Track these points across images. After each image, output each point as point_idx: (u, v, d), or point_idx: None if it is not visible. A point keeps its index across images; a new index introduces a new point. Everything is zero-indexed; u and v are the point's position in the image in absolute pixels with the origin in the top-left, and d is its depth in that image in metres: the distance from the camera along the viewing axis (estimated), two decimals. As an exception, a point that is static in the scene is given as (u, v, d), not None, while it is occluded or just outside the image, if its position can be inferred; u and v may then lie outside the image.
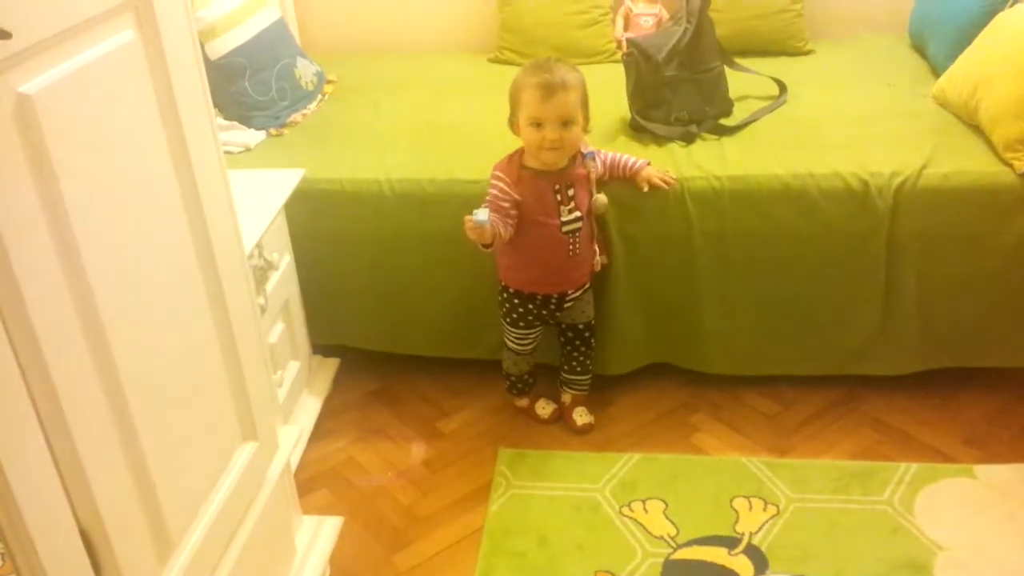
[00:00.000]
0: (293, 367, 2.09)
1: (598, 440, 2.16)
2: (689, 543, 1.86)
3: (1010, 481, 1.97)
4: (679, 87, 2.39)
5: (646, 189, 2.08)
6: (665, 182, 2.09)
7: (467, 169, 2.20)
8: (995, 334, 2.18)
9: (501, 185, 1.95)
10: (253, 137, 2.42)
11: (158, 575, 1.20)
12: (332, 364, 2.31)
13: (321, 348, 2.31)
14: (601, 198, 2.05)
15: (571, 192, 1.98)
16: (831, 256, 2.13)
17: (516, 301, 2.08)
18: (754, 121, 2.38)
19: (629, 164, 2.10)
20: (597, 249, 2.10)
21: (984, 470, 2.01)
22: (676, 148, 2.27)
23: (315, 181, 2.17)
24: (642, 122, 2.35)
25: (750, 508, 1.93)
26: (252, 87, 2.50)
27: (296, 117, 2.56)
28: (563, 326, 2.16)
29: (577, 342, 2.16)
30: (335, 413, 2.26)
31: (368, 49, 3.17)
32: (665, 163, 2.19)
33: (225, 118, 2.49)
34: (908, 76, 2.62)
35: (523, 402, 2.26)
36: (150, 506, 1.18)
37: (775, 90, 2.54)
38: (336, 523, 1.77)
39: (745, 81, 2.53)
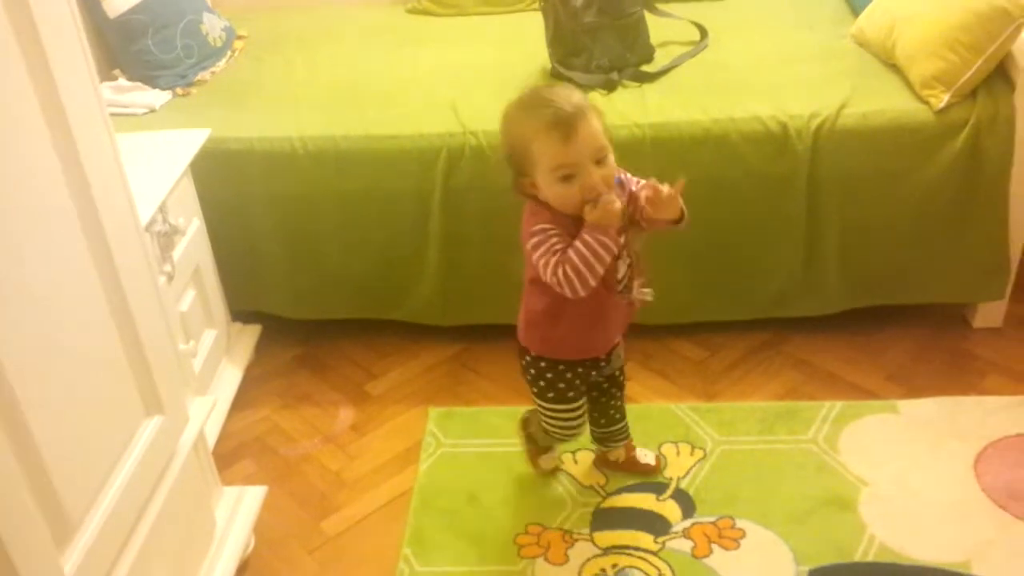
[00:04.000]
0: (209, 336, 2.02)
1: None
2: (618, 491, 1.86)
3: (932, 414, 2.01)
4: (599, 34, 2.34)
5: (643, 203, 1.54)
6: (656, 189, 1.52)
7: (383, 124, 2.13)
8: (915, 271, 2.21)
9: (554, 230, 1.47)
10: (158, 98, 2.32)
11: (57, 560, 1.15)
12: (253, 331, 2.25)
13: (241, 315, 2.24)
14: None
15: (622, 239, 1.52)
16: (753, 200, 2.12)
17: (560, 368, 1.66)
18: (675, 67, 2.35)
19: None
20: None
21: (907, 405, 2.04)
22: (597, 96, 2.23)
23: (223, 141, 2.08)
24: (562, 71, 2.31)
25: (678, 453, 1.94)
26: (155, 45, 2.39)
27: (204, 76, 2.45)
28: (600, 377, 1.76)
29: (614, 389, 1.80)
30: (258, 381, 2.21)
31: (280, 2, 3.04)
32: (586, 112, 2.15)
33: (128, 79, 2.39)
34: (828, 17, 2.61)
35: (533, 455, 1.91)
36: (42, 489, 1.12)
37: (696, 35, 2.51)
38: (259, 493, 1.73)
39: (666, 26, 2.50)
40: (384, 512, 1.85)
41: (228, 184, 2.11)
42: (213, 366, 2.03)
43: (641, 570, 1.68)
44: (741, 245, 2.17)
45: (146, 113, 2.27)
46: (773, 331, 2.28)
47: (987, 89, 2.08)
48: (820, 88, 2.17)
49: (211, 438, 1.87)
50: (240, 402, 2.11)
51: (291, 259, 2.19)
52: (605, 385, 1.78)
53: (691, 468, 1.90)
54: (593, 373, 1.71)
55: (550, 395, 1.69)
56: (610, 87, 2.26)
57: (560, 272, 1.45)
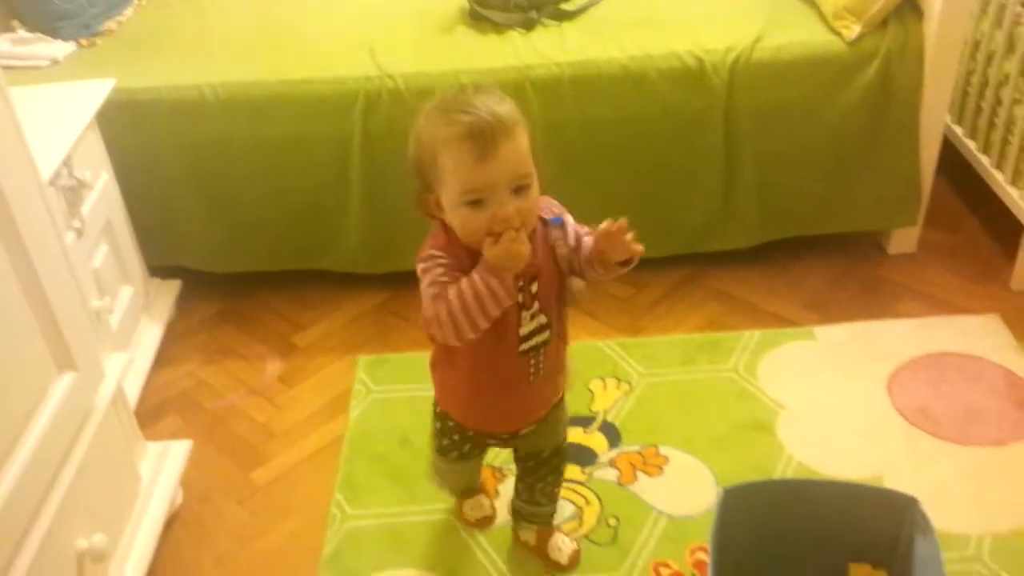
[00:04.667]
0: (126, 292, 1.98)
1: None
2: (547, 428, 1.90)
3: (846, 340, 2.08)
4: (516, -29, 2.31)
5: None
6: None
7: (297, 69, 2.09)
8: (830, 202, 2.26)
9: (443, 259, 1.23)
10: (61, 49, 2.23)
11: (-33, 521, 1.13)
12: (173, 286, 2.20)
13: (160, 271, 2.19)
14: (578, 284, 1.36)
15: (534, 288, 1.28)
16: (672, 137, 2.15)
17: (451, 425, 1.46)
18: (595, 5, 2.34)
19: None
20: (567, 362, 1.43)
21: (823, 331, 2.11)
22: (516, 36, 2.21)
23: (131, 92, 2.02)
24: (480, 10, 2.28)
25: (604, 388, 1.98)
26: (57, -7, 2.29)
27: (110, 25, 2.36)
28: (520, 452, 1.55)
29: (542, 471, 1.54)
30: (180, 337, 2.17)
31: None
32: (505, 52, 2.14)
33: (28, 30, 2.29)
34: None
35: (455, 501, 1.72)
36: (-53, 449, 1.10)
37: (615, -29, 2.49)
38: (184, 447, 1.71)
39: (584, -38, 2.48)
40: (314, 460, 1.85)
41: (138, 136, 2.05)
42: (132, 323, 1.99)
43: (569, 500, 1.72)
44: (662, 182, 2.20)
45: (49, 65, 2.18)
46: (695, 266, 2.32)
47: (897, 19, 2.13)
48: (736, 23, 2.19)
49: (133, 395, 1.85)
50: (162, 359, 2.08)
51: (208, 211, 2.14)
52: (530, 463, 1.53)
53: (617, 401, 1.94)
54: (490, 442, 1.51)
55: (442, 444, 1.50)
56: (529, 26, 2.24)
57: (433, 310, 1.20)
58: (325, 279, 2.28)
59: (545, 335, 1.31)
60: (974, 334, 2.08)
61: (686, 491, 1.73)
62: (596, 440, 1.85)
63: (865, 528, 1.39)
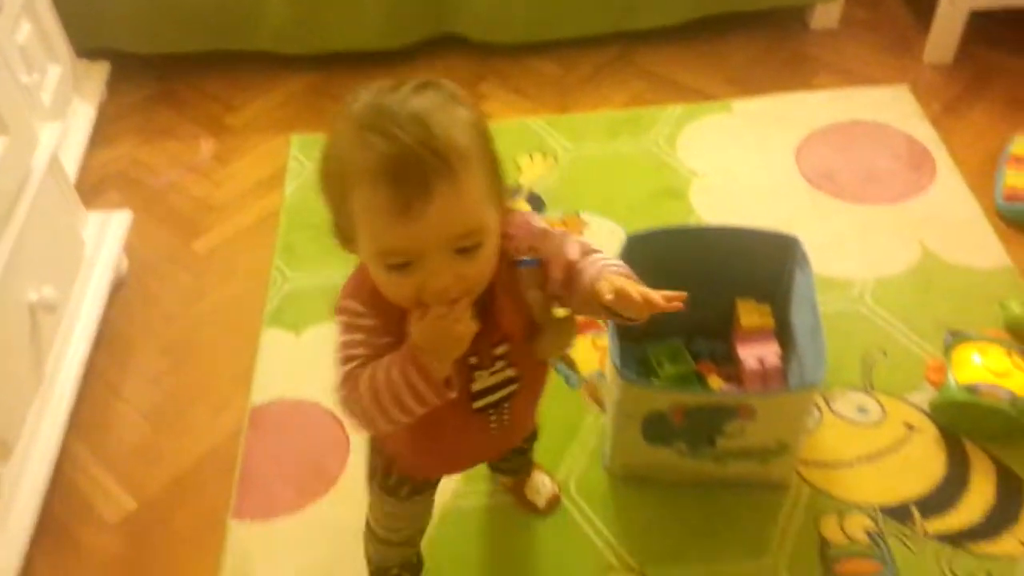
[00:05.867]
0: (54, 72, 1.97)
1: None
2: (475, 198, 2.00)
3: (762, 111, 2.18)
4: None
5: (609, 297, 0.87)
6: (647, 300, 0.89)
7: None
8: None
9: (367, 320, 0.89)
10: None
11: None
12: (102, 68, 2.19)
13: (86, 52, 2.18)
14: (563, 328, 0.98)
15: (500, 350, 0.96)
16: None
17: (404, 475, 1.13)
18: None
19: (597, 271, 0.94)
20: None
21: (740, 104, 2.20)
22: None
23: None
24: None
25: (531, 161, 2.08)
26: None
27: None
28: None
29: (514, 456, 1.36)
30: (113, 119, 2.20)
31: None
32: None
33: None
34: None
35: None
36: None
37: None
38: (125, 216, 1.79)
39: None
40: (253, 231, 1.94)
41: (48, -91, 1.98)
42: (63, 101, 2.00)
43: (494, 261, 1.86)
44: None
45: None
46: (624, 45, 2.36)
47: None
48: None
49: (71, 172, 1.89)
50: (97, 140, 2.11)
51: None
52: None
53: (542, 174, 2.04)
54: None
55: (380, 482, 1.13)
56: None
57: (343, 394, 0.89)
58: (256, 61, 2.29)
59: (511, 387, 0.99)
60: (883, 104, 2.18)
61: (603, 248, 1.85)
62: (519, 206, 1.97)
63: (752, 267, 1.53)
